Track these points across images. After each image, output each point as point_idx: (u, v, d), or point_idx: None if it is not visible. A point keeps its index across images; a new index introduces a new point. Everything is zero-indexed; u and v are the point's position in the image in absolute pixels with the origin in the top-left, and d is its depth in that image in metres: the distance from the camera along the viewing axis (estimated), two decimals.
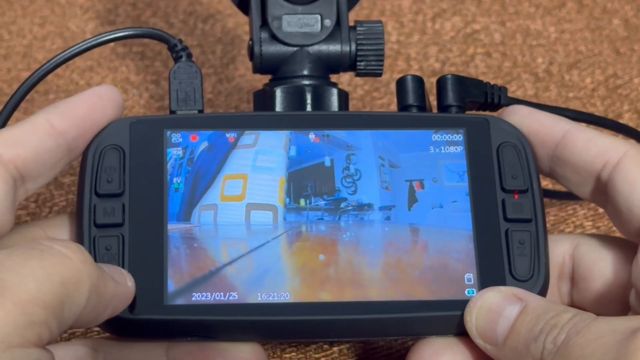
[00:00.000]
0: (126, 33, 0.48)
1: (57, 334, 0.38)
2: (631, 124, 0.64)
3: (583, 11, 0.70)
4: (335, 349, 0.53)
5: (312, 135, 0.47)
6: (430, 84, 0.65)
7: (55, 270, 0.37)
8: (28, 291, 0.36)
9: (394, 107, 0.64)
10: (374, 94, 0.65)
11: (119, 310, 0.42)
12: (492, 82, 0.65)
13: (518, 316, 0.43)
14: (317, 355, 0.52)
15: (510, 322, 0.43)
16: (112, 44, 0.67)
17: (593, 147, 0.46)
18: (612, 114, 0.64)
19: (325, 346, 0.53)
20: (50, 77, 0.63)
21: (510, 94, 0.64)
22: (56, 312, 0.37)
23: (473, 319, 0.44)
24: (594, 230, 0.59)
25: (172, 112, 0.47)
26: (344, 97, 0.50)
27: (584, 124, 0.59)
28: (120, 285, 0.41)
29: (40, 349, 0.37)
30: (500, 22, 0.69)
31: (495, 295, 0.44)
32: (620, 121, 0.64)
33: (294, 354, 0.52)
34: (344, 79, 0.66)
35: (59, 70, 0.64)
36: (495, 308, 0.43)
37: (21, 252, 0.37)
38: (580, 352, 0.39)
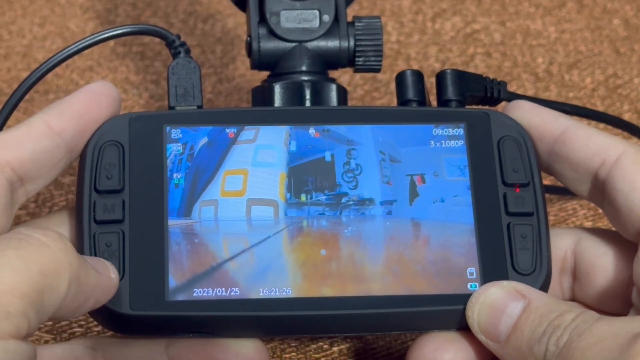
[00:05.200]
0: (124, 30, 0.48)
1: (37, 325, 0.37)
2: None
3: (583, 11, 0.70)
4: (335, 349, 0.53)
5: (312, 130, 0.47)
6: (430, 84, 0.65)
7: (33, 259, 0.37)
8: (4, 281, 0.35)
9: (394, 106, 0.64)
10: (374, 94, 0.65)
11: (101, 303, 0.41)
12: None
13: (521, 314, 0.42)
14: (317, 356, 0.52)
15: (513, 320, 0.43)
16: (112, 44, 0.67)
17: (592, 145, 0.46)
18: (612, 114, 0.64)
19: (325, 346, 0.53)
20: (50, 77, 0.63)
21: None
22: (35, 302, 0.36)
23: (475, 315, 0.44)
24: None
25: (171, 108, 0.47)
26: (342, 92, 0.50)
27: (585, 121, 0.60)
28: (102, 276, 0.41)
29: (18, 341, 0.36)
30: (500, 22, 0.69)
31: (497, 292, 0.44)
32: None
33: (294, 354, 0.52)
34: (344, 79, 0.66)
35: (59, 70, 0.65)
36: (497, 304, 0.43)
37: None
38: (581, 356, 0.39)
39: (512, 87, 0.66)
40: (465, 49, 0.68)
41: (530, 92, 0.65)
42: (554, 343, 0.41)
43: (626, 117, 0.64)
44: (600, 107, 0.65)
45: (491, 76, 0.66)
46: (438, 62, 0.67)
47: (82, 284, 0.39)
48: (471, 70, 0.66)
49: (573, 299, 0.48)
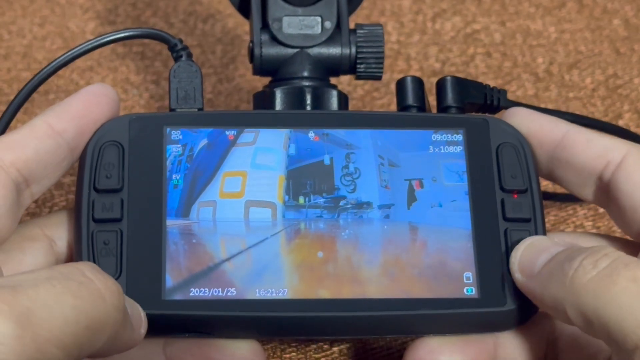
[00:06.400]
0: (127, 34, 0.49)
1: None
2: (631, 124, 0.64)
3: (583, 11, 0.70)
4: (335, 349, 0.53)
5: (311, 134, 0.47)
6: (430, 84, 0.65)
7: (85, 313, 0.36)
8: (51, 330, 0.35)
9: (394, 107, 0.64)
10: (374, 94, 0.65)
11: (120, 352, 0.41)
12: (492, 82, 0.66)
13: (562, 251, 0.42)
14: (317, 356, 0.52)
15: (552, 255, 0.43)
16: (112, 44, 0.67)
17: (593, 148, 0.46)
18: (612, 114, 0.64)
19: (325, 346, 0.53)
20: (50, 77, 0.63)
21: (510, 94, 0.64)
22: (71, 354, 0.36)
23: (518, 254, 0.44)
24: (594, 231, 0.59)
25: (171, 110, 0.48)
26: (343, 99, 0.51)
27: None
28: (134, 333, 0.41)
29: None
30: (500, 22, 0.69)
31: (545, 239, 0.44)
32: (620, 121, 0.64)
33: (294, 354, 0.52)
34: (344, 79, 0.66)
35: (59, 71, 0.65)
36: (542, 246, 0.43)
37: (60, 282, 0.36)
38: (629, 286, 0.39)
39: (512, 87, 0.66)
40: (465, 49, 0.68)
41: (530, 92, 0.65)
42: (592, 262, 0.40)
43: (626, 117, 0.64)
44: (600, 107, 0.65)
45: (491, 76, 0.66)
46: (438, 62, 0.67)
47: (117, 340, 0.39)
48: (471, 70, 0.66)
49: None
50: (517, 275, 0.44)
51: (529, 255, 0.44)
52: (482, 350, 0.45)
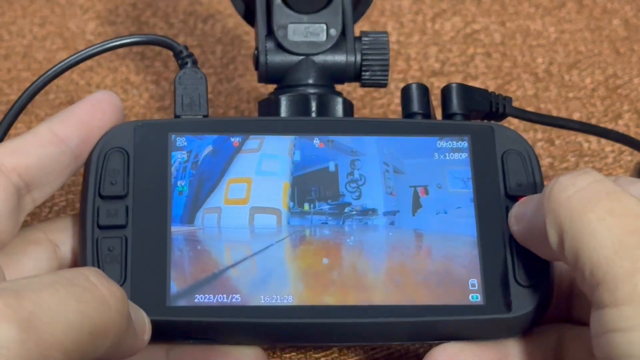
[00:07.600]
0: (132, 40, 0.49)
1: None
2: (631, 124, 0.64)
3: (583, 11, 0.70)
4: (335, 348, 0.53)
5: (316, 141, 0.47)
6: (430, 84, 0.65)
7: (89, 318, 0.36)
8: (54, 335, 0.35)
9: (393, 107, 0.64)
10: (373, 94, 0.65)
11: (125, 357, 0.41)
12: (492, 82, 0.66)
13: None
14: (317, 355, 0.52)
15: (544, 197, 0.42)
16: None
17: None
18: (612, 114, 0.64)
19: None
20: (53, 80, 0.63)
21: (510, 94, 0.64)
22: (75, 359, 0.36)
23: (513, 210, 0.44)
24: None
25: (176, 117, 0.48)
26: (348, 106, 0.50)
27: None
28: (138, 339, 0.41)
29: None
30: (500, 22, 0.69)
31: (539, 195, 0.44)
32: (620, 121, 0.64)
33: (294, 353, 0.52)
34: None
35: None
36: (535, 197, 0.43)
37: (64, 287, 0.36)
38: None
39: (511, 87, 0.66)
40: (465, 49, 0.68)
41: (530, 92, 0.65)
42: (570, 179, 0.40)
43: (626, 117, 0.64)
44: (600, 107, 0.65)
45: (491, 76, 0.66)
46: (438, 62, 0.67)
47: (120, 346, 0.39)
48: (471, 70, 0.66)
49: (571, 319, 0.48)
50: (515, 227, 0.44)
51: (523, 206, 0.44)
52: (496, 358, 0.45)
